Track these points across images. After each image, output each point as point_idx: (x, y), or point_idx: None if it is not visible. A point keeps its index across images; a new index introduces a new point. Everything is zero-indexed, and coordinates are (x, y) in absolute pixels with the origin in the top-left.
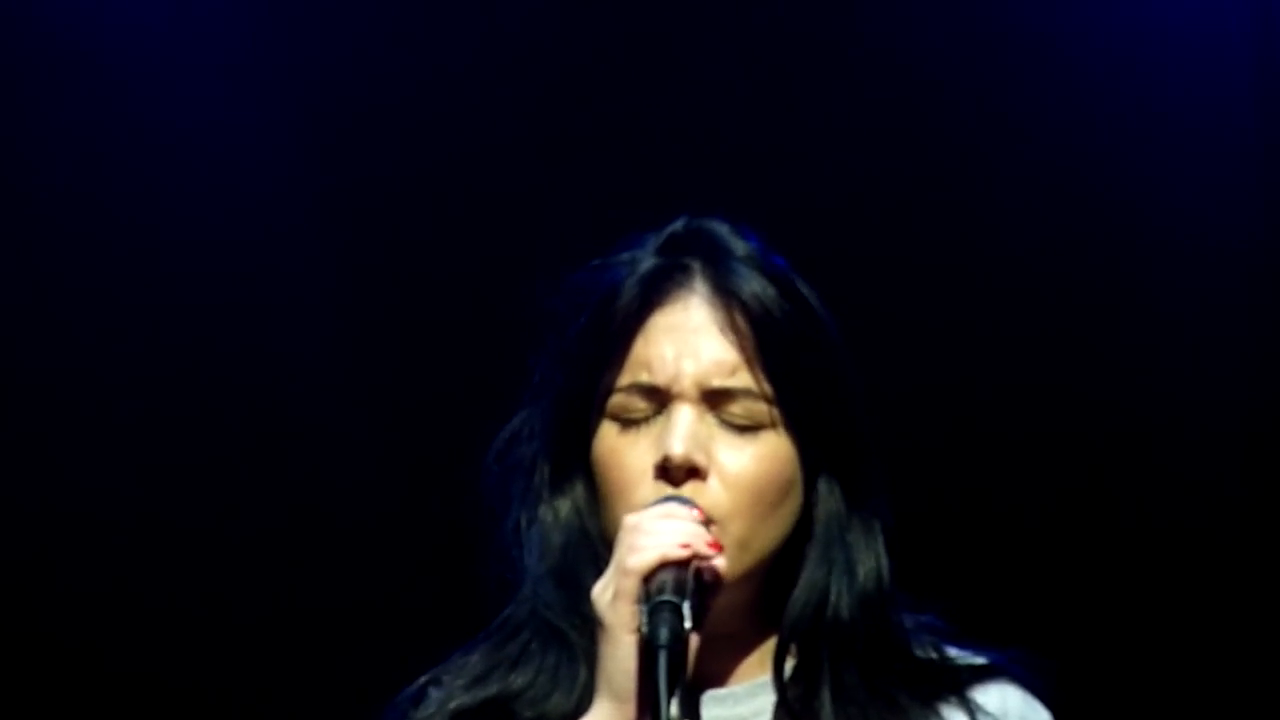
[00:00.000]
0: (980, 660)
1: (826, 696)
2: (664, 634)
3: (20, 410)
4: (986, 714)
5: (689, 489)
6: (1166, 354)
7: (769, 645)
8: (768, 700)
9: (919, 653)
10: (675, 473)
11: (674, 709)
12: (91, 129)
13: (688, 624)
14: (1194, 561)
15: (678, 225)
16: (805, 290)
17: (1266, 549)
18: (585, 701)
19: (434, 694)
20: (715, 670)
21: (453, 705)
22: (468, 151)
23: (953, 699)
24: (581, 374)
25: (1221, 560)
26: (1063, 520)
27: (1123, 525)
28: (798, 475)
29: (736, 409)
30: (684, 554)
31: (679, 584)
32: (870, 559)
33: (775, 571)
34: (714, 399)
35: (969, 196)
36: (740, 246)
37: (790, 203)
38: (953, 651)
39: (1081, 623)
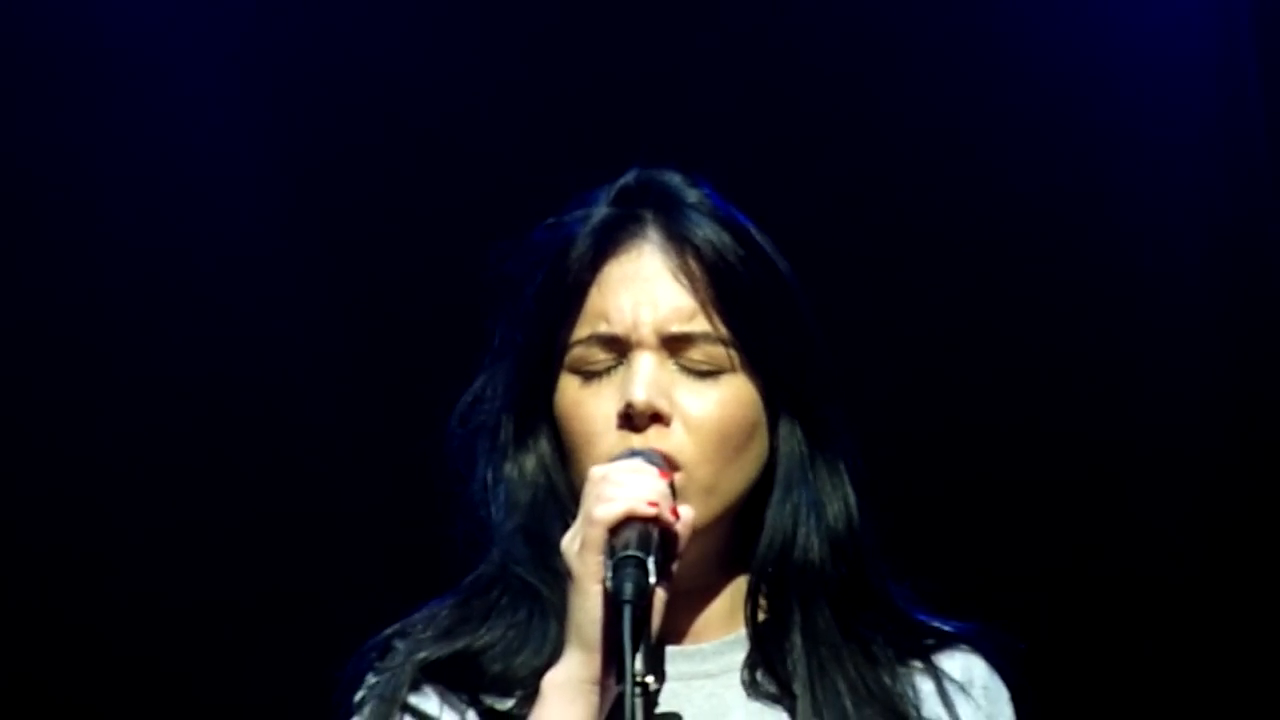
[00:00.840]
0: (949, 628)
1: (797, 639)
2: (628, 589)
3: None
4: (952, 680)
5: (653, 435)
6: (1129, 343)
7: (739, 597)
8: (737, 657)
9: (896, 604)
10: (638, 420)
11: (639, 664)
12: (79, 129)
13: (652, 579)
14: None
15: (629, 177)
16: (758, 235)
17: (1233, 539)
18: (555, 657)
19: (401, 645)
20: (685, 624)
21: (420, 656)
22: (441, 129)
23: (919, 662)
24: (541, 330)
25: (1192, 560)
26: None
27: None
28: (761, 418)
29: (696, 354)
30: (650, 511)
31: (644, 539)
32: (837, 499)
33: (743, 519)
34: (673, 345)
35: (941, 192)
36: (692, 194)
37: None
38: (923, 618)
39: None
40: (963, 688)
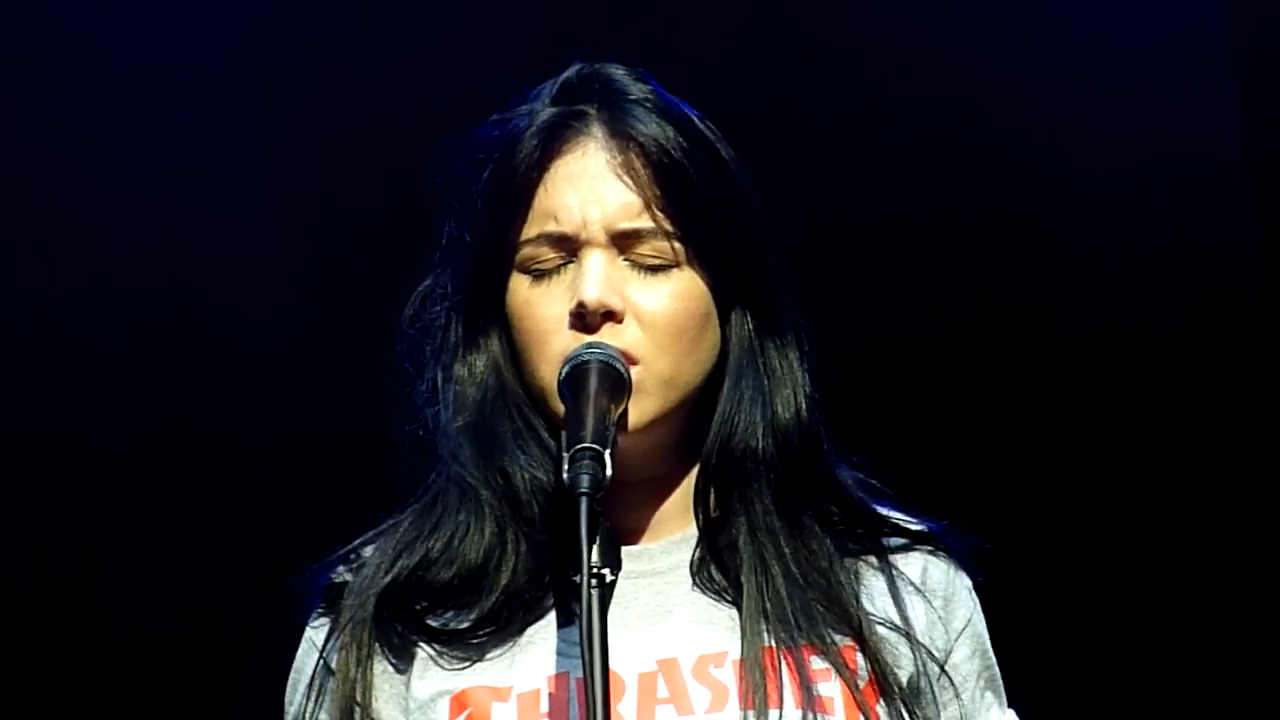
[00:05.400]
0: (910, 525)
1: (742, 528)
2: (585, 481)
3: None
4: (906, 579)
5: (606, 333)
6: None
7: (691, 491)
8: (686, 554)
9: (848, 495)
10: (591, 318)
11: (595, 556)
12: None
13: (608, 471)
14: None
15: (571, 72)
16: (704, 127)
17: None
18: (491, 556)
19: (351, 579)
20: (641, 522)
21: (383, 580)
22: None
23: (874, 559)
24: (489, 229)
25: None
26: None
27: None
28: (711, 309)
29: (645, 249)
30: None
31: (600, 431)
32: (786, 387)
33: (697, 412)
34: (622, 242)
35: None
36: (635, 89)
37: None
38: (883, 511)
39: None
40: (917, 588)
